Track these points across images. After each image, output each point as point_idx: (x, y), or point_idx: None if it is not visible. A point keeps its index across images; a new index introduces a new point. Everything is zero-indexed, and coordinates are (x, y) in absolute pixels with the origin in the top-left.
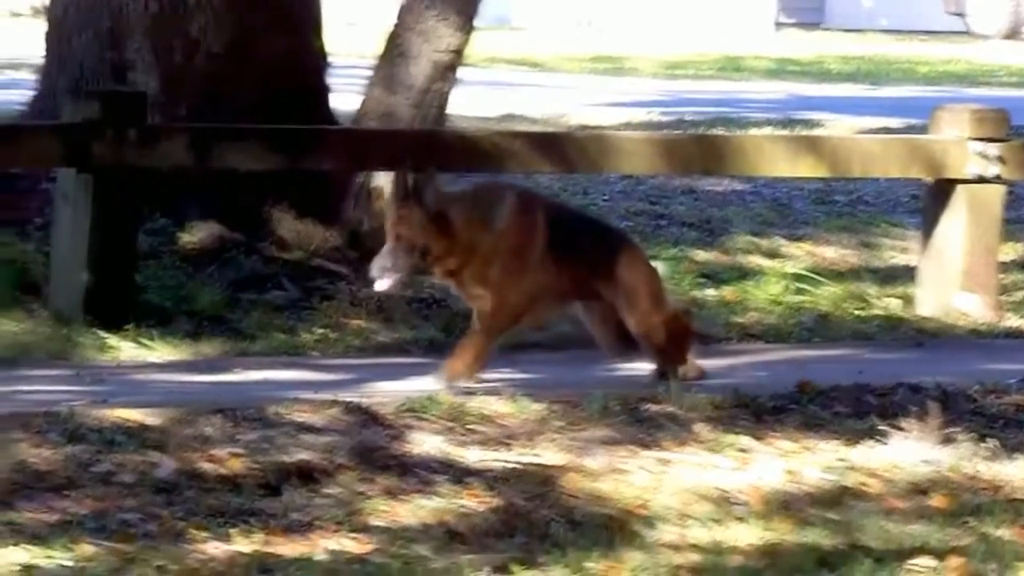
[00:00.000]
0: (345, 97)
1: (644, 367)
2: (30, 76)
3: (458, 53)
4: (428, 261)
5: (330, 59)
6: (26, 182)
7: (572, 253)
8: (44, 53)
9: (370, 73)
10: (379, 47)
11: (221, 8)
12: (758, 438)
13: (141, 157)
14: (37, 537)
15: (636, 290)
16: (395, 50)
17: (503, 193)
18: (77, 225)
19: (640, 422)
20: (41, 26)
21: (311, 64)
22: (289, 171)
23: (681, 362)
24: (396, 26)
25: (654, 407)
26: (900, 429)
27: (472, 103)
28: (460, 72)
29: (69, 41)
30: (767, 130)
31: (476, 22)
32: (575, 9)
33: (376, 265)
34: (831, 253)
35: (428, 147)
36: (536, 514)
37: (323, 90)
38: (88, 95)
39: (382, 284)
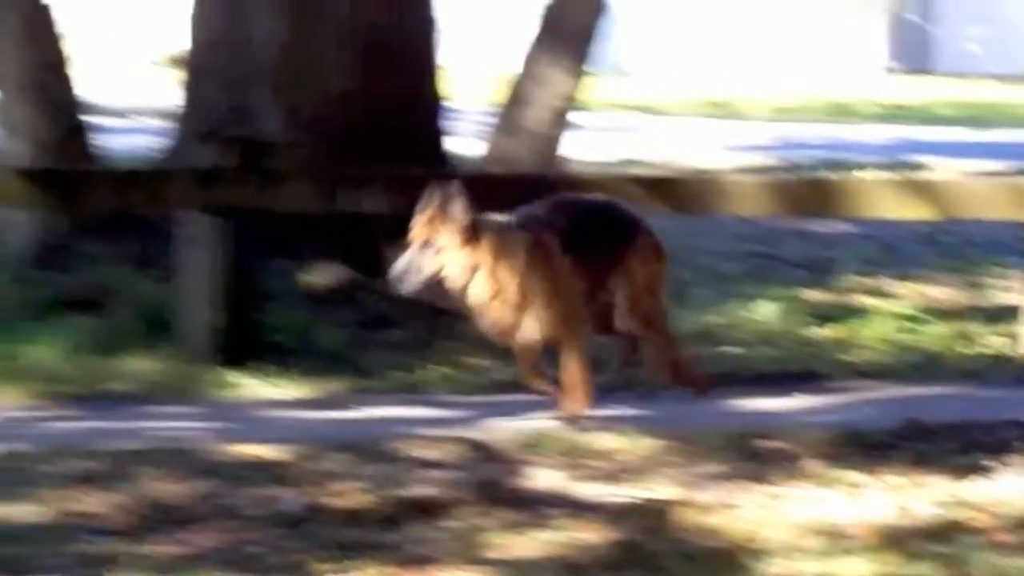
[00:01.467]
0: (465, 140)
1: (746, 402)
2: (160, 122)
3: (571, 98)
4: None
5: (447, 104)
6: (151, 224)
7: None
8: (180, 100)
9: (489, 118)
10: (500, 94)
11: (346, 58)
12: (868, 473)
13: (269, 200)
14: (165, 569)
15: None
16: (514, 96)
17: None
18: (204, 266)
19: (751, 457)
20: (172, 75)
21: (428, 109)
22: (411, 213)
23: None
24: (518, 74)
25: (765, 443)
26: (1006, 465)
27: (588, 148)
28: (576, 117)
29: (203, 89)
30: (876, 173)
31: (589, 68)
32: (686, 54)
33: (397, 268)
34: (938, 293)
35: (546, 190)
36: (650, 547)
37: (439, 133)
38: (219, 141)
39: (403, 287)
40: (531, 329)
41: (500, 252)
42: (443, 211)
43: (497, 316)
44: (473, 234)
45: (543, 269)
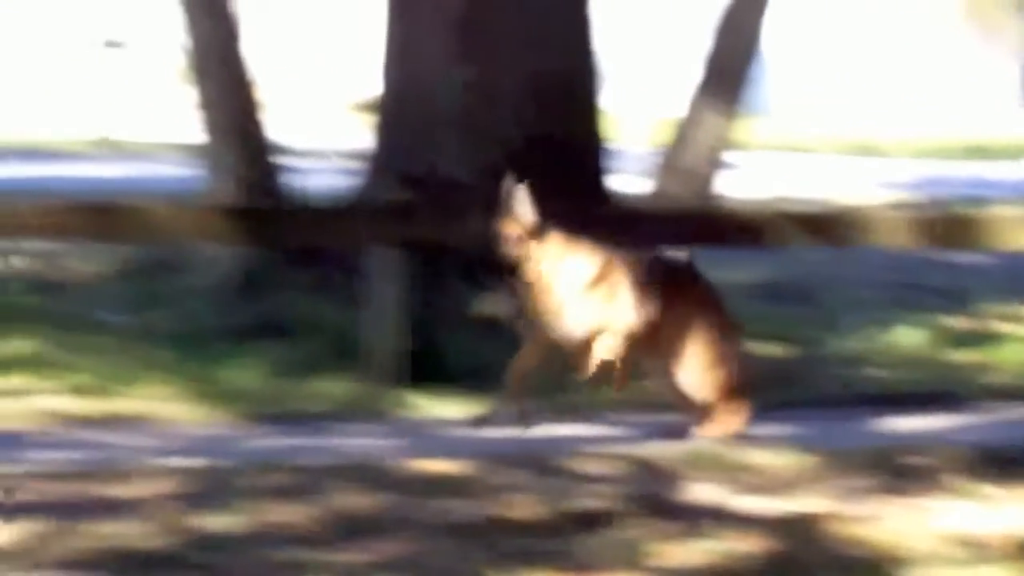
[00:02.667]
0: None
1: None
2: (352, 163)
3: (725, 139)
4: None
5: (610, 145)
6: (341, 257)
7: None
8: (371, 142)
9: (651, 158)
10: (660, 135)
11: (519, 103)
12: (1004, 487)
13: (451, 236)
14: (365, 573)
15: None
16: (674, 137)
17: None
18: (389, 295)
19: (895, 472)
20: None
21: (592, 150)
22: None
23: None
24: (678, 117)
25: (908, 459)
26: None
27: (739, 186)
28: (728, 157)
29: (392, 131)
30: (1011, 209)
31: (741, 110)
32: (827, 95)
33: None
34: None
35: (705, 225)
36: (801, 557)
37: (602, 173)
38: (406, 180)
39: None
40: (575, 324)
41: (565, 250)
42: (510, 210)
43: (550, 308)
44: (539, 231)
45: (604, 274)
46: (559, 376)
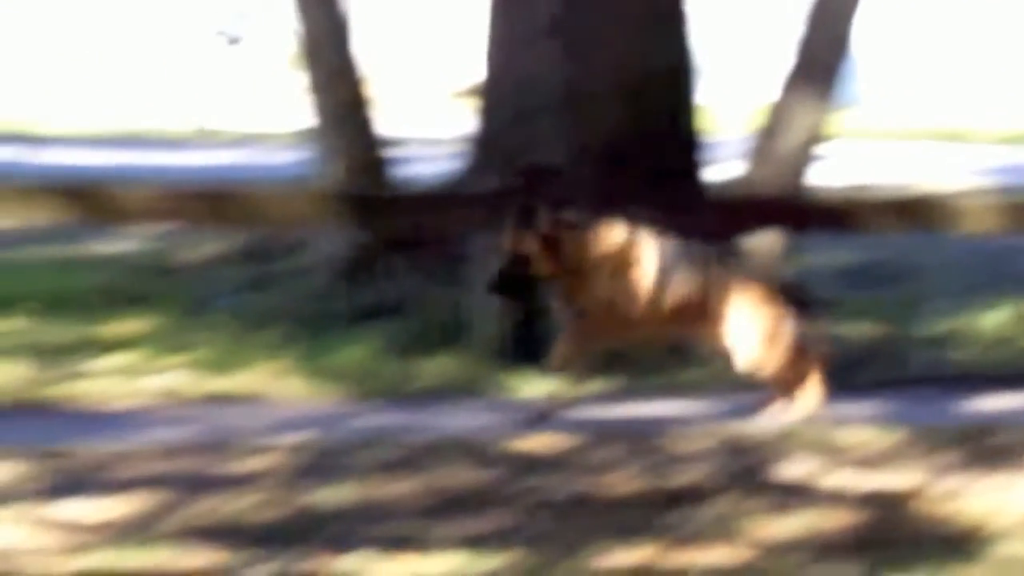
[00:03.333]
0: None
1: (978, 400)
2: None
3: (818, 128)
4: None
5: (703, 134)
6: (445, 241)
7: None
8: (474, 129)
9: (744, 148)
10: (754, 125)
11: (616, 94)
12: None
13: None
14: (465, 546)
15: None
16: (767, 127)
17: None
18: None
19: (982, 450)
20: (468, 106)
21: (685, 139)
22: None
23: None
24: (771, 106)
25: (995, 437)
26: None
27: (830, 174)
28: (820, 146)
29: (494, 120)
30: None
31: (832, 98)
32: (915, 83)
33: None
34: None
35: (795, 211)
36: (890, 531)
37: (696, 162)
38: (508, 168)
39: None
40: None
41: (581, 252)
42: (525, 223)
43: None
44: (553, 242)
45: (617, 264)
46: (655, 355)
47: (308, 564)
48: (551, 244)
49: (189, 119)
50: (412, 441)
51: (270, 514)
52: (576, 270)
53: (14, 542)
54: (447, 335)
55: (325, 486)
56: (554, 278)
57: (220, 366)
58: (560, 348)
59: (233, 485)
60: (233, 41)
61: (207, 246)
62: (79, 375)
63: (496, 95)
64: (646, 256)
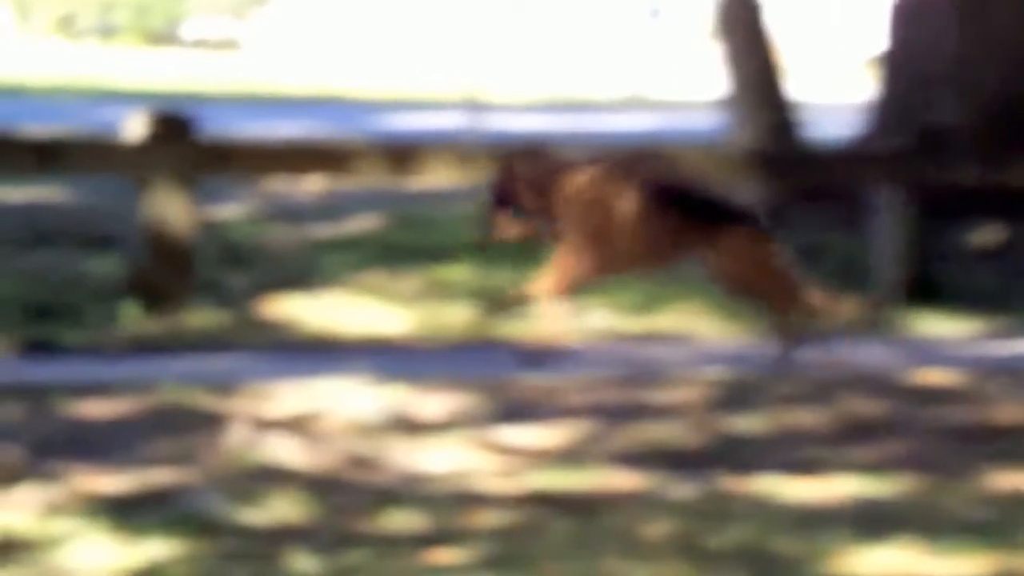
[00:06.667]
0: None
1: None
2: (859, 114)
3: None
4: None
5: None
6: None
7: None
8: (876, 95)
9: None
10: None
11: (1000, 63)
12: None
13: (948, 178)
14: (867, 470)
15: None
16: None
17: None
18: (891, 229)
19: None
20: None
21: None
22: None
23: None
24: None
25: None
26: None
27: None
28: None
29: (894, 86)
30: None
31: None
32: None
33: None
34: None
35: None
36: None
37: None
38: (908, 129)
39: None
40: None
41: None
42: (511, 172)
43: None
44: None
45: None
46: None
47: (724, 485)
48: (535, 184)
49: (622, 86)
50: (820, 375)
51: (691, 440)
52: (556, 208)
53: (465, 464)
54: (849, 279)
55: (741, 415)
56: (539, 214)
57: (648, 306)
58: (543, 281)
59: (657, 414)
60: (654, 13)
61: None
62: (519, 316)
63: (896, 62)
64: (620, 196)
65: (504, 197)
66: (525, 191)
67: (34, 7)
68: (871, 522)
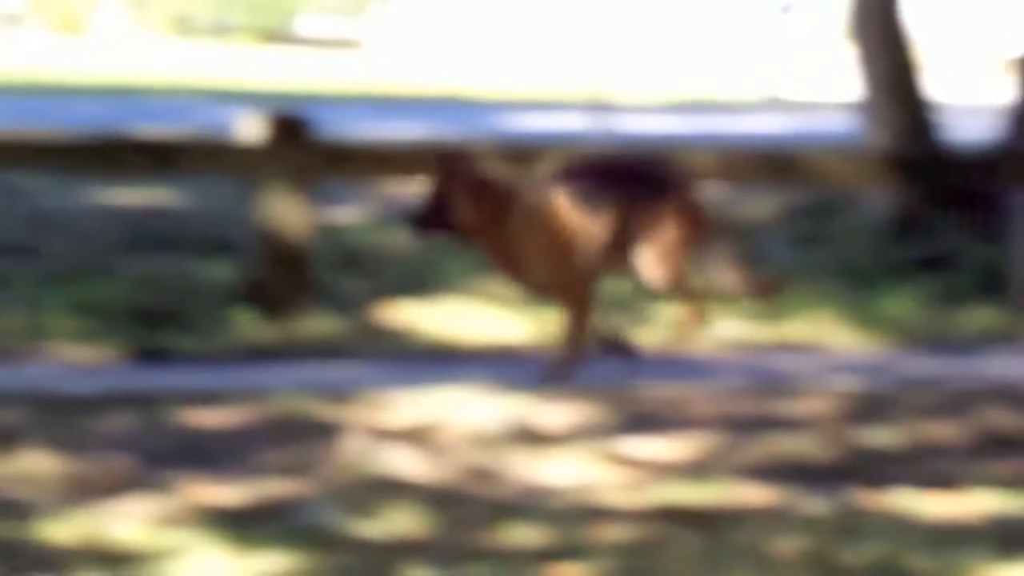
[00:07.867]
0: None
1: None
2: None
3: None
4: None
5: None
6: (989, 198)
7: None
8: (1017, 97)
9: None
10: None
11: None
12: None
13: None
14: (1004, 485)
15: None
16: None
17: None
18: None
19: None
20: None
21: None
22: None
23: None
24: None
25: None
26: None
27: None
28: None
29: None
30: None
31: None
32: None
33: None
34: None
35: None
36: None
37: None
38: None
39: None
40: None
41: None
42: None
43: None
44: (476, 194)
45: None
46: None
47: (857, 500)
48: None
49: (755, 87)
50: (957, 386)
51: (824, 454)
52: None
53: (588, 476)
54: (989, 286)
55: (875, 428)
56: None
57: (777, 316)
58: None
59: (787, 427)
60: (785, 10)
61: (763, 205)
62: (643, 321)
63: None
64: (560, 207)
65: (439, 210)
66: (464, 206)
67: (150, 6)
68: (1010, 539)
